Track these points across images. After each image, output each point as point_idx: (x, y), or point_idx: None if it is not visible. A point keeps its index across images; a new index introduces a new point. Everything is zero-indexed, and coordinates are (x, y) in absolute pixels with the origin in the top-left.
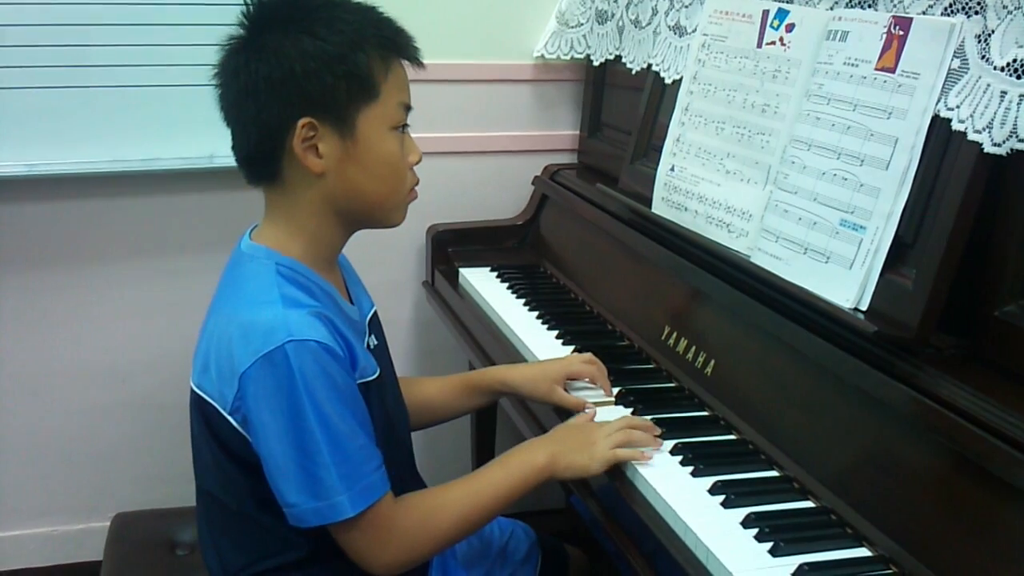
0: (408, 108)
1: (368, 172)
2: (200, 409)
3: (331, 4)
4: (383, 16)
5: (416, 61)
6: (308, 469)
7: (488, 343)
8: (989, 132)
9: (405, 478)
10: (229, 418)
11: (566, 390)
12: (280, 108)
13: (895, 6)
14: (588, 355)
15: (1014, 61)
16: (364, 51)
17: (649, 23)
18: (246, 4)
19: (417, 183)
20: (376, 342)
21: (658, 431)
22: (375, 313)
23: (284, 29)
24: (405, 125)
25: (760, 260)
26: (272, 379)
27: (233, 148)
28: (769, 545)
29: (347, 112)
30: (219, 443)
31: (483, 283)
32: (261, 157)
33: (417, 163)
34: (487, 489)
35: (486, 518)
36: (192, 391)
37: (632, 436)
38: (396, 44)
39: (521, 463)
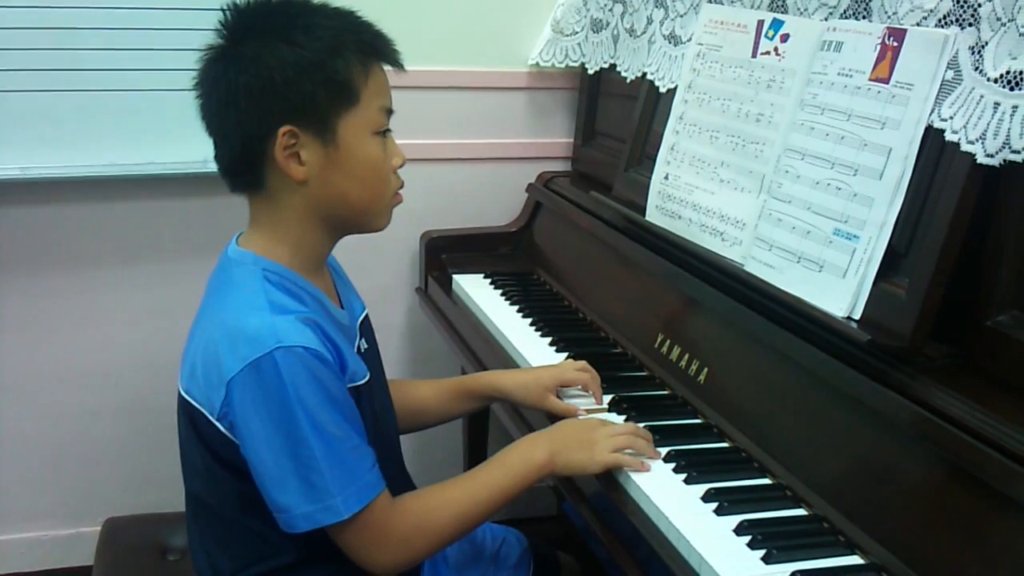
0: (390, 112)
1: (351, 178)
2: (188, 414)
3: (309, 11)
4: (361, 21)
5: (396, 64)
6: (301, 474)
7: (481, 350)
8: (982, 143)
9: (394, 481)
10: (217, 423)
11: (559, 397)
12: (260, 117)
13: (889, 17)
14: (582, 363)
15: (1007, 73)
16: (343, 56)
17: (644, 32)
18: (223, 12)
19: (401, 186)
20: (366, 346)
21: (656, 454)
22: (366, 316)
23: (262, 37)
24: (387, 129)
25: (753, 268)
26: (260, 387)
27: (216, 158)
28: (762, 552)
29: (328, 119)
30: (207, 447)
31: (476, 290)
32: (243, 166)
33: (400, 166)
34: (485, 487)
35: (484, 515)
36: (180, 396)
37: (635, 443)
38: (375, 48)
39: (520, 461)
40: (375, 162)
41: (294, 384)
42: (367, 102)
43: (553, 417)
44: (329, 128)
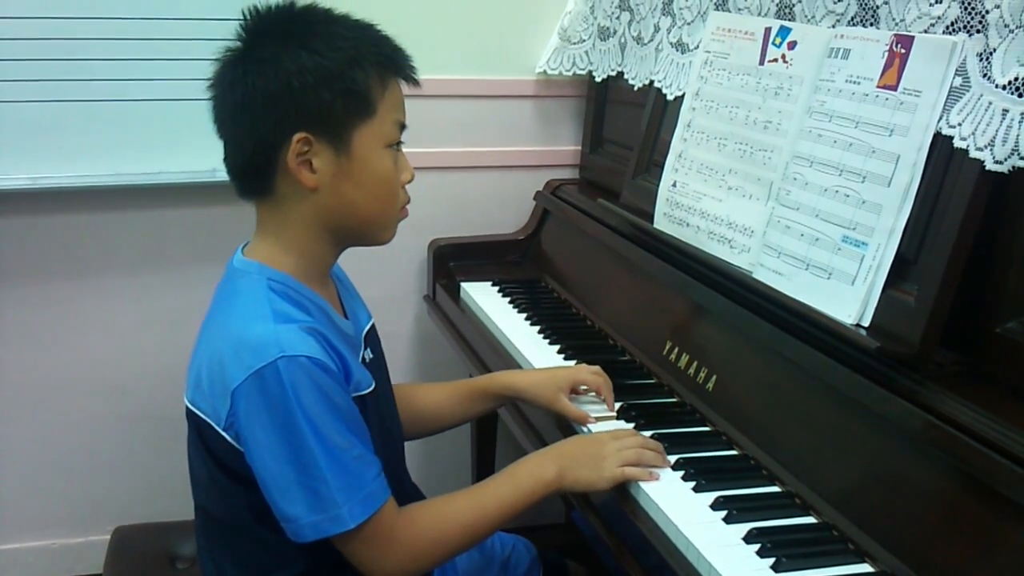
0: (403, 126)
1: (361, 189)
2: (195, 425)
3: (330, 20)
4: (381, 34)
5: (412, 80)
6: (306, 484)
7: (489, 357)
8: (991, 150)
9: (401, 490)
10: (223, 434)
11: (571, 400)
12: (276, 122)
13: (897, 24)
14: (596, 367)
15: (1016, 79)
16: (362, 68)
17: (651, 40)
18: (244, 16)
19: (408, 201)
20: (372, 355)
21: (667, 463)
22: (372, 326)
23: (282, 43)
24: (399, 143)
25: (762, 276)
26: (264, 396)
27: (225, 160)
28: (771, 561)
29: (343, 129)
30: (214, 459)
31: (484, 297)
32: (254, 170)
33: (410, 181)
34: (493, 501)
35: (491, 529)
36: (186, 407)
37: (643, 456)
38: (394, 62)
39: (529, 476)
40: (386, 175)
41: (296, 393)
42: (383, 115)
43: (561, 422)
44: (344, 138)
